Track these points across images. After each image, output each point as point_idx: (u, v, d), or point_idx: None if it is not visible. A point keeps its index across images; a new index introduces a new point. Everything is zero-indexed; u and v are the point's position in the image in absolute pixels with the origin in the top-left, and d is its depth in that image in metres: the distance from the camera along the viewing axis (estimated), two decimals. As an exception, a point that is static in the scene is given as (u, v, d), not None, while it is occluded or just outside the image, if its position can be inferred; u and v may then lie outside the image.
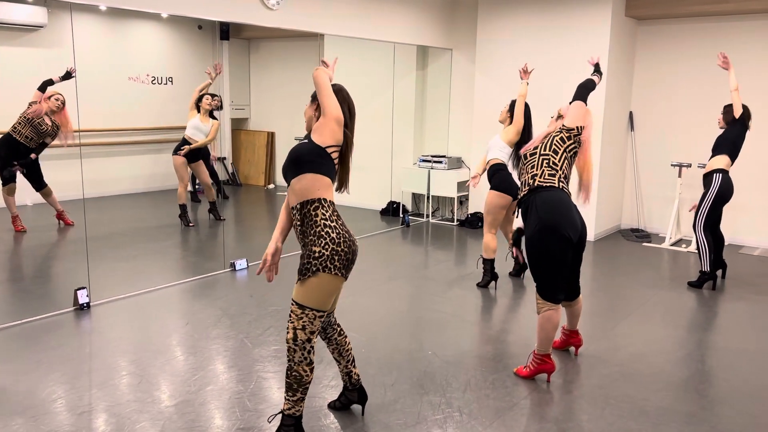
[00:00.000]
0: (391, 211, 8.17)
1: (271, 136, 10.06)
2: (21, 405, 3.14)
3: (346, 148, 2.79)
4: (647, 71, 7.25)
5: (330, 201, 2.70)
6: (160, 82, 9.19)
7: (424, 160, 7.82)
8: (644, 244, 6.88)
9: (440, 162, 7.68)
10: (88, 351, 3.81)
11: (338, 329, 3.00)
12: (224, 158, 9.87)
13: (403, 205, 8.16)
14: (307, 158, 2.67)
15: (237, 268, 5.58)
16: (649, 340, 4.16)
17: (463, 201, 8.02)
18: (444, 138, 8.14)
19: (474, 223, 7.58)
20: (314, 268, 2.61)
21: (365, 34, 6.49)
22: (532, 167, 3.50)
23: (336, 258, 2.62)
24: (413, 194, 8.29)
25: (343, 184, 2.85)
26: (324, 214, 2.65)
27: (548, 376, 3.53)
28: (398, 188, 8.19)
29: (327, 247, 2.62)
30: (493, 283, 5.24)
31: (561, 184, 3.44)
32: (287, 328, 2.68)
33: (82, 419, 3.02)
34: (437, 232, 7.37)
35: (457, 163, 7.81)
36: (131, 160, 8.90)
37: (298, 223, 2.69)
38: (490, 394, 3.36)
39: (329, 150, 2.69)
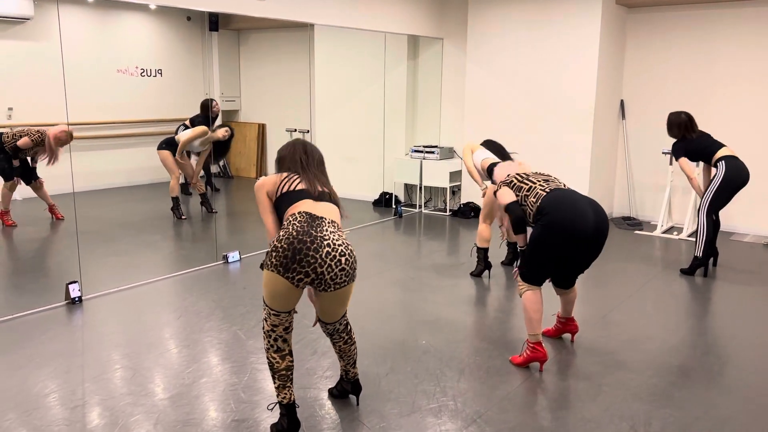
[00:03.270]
0: (384, 201, 8.16)
1: (262, 128, 10.01)
2: (13, 400, 3.12)
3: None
4: (638, 59, 7.25)
5: (289, 216, 2.73)
6: (149, 74, 9.11)
7: (416, 151, 7.81)
8: (636, 231, 6.91)
9: (432, 152, 7.67)
10: (80, 345, 3.79)
11: (345, 338, 2.97)
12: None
13: (396, 196, 8.16)
14: None
15: (230, 261, 5.56)
16: (642, 327, 4.18)
17: (455, 191, 8.02)
18: (436, 128, 8.13)
19: (466, 212, 7.58)
20: (263, 263, 2.70)
21: (355, 23, 6.45)
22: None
23: (273, 254, 2.62)
24: (405, 185, 8.27)
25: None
26: (284, 224, 2.72)
27: (540, 365, 3.54)
28: (390, 179, 8.18)
29: (271, 245, 2.66)
30: (486, 272, 5.25)
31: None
32: None
33: (76, 413, 3.00)
34: (430, 223, 7.37)
35: (449, 153, 7.80)
36: (121, 153, 8.84)
37: None
38: (484, 382, 3.37)
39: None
